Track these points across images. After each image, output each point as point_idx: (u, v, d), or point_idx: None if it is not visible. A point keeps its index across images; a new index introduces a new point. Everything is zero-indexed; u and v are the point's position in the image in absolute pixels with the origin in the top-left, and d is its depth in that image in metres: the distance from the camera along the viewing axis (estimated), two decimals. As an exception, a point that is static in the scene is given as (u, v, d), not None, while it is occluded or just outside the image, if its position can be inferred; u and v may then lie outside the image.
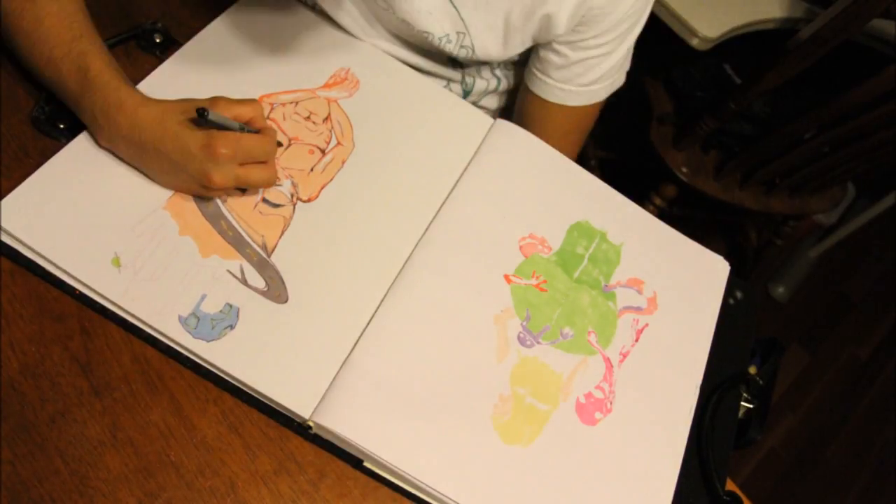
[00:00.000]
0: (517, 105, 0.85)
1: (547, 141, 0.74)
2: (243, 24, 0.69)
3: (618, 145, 1.58)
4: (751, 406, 0.67)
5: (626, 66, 0.80)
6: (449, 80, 0.82)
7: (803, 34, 1.04)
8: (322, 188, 0.63)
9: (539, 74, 0.77)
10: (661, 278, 0.70)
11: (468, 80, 0.83)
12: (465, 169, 0.68)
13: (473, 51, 0.73)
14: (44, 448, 0.49)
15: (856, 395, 1.85)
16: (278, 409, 0.53)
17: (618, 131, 0.96)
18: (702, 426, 0.63)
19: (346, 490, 0.53)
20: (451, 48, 0.73)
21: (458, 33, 0.71)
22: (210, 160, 0.54)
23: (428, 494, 0.54)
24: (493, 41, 0.72)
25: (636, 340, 0.65)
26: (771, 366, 0.70)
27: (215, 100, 0.57)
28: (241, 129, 0.57)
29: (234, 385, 0.53)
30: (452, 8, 0.69)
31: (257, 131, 0.59)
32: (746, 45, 1.27)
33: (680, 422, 0.62)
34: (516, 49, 0.74)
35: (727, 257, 0.74)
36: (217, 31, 0.68)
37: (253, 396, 0.53)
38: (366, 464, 0.54)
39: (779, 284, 1.92)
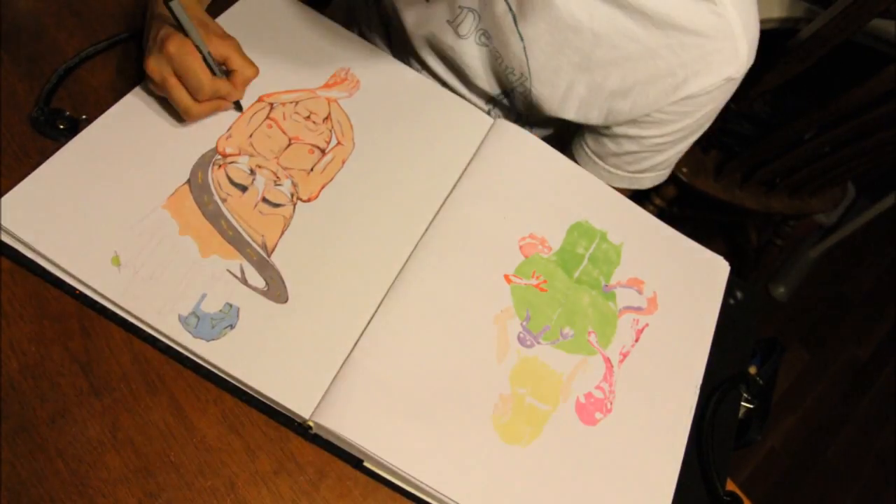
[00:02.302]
0: None
1: None
2: (244, 25, 0.69)
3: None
4: (751, 406, 0.67)
5: (674, 164, 0.81)
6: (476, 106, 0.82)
7: (803, 34, 1.04)
8: (322, 188, 0.63)
9: (590, 154, 0.79)
10: (661, 278, 0.69)
11: (493, 115, 0.83)
12: (465, 169, 0.68)
13: (531, 92, 0.73)
14: (44, 448, 0.49)
15: (856, 395, 1.85)
16: (278, 408, 0.53)
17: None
18: (702, 426, 0.63)
19: (346, 490, 0.53)
20: (514, 79, 0.73)
21: (521, 74, 0.72)
22: (159, 49, 0.57)
23: (428, 495, 0.54)
24: (551, 96, 0.72)
25: (636, 340, 0.65)
26: (771, 366, 0.70)
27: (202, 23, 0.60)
28: (205, 55, 0.59)
29: (234, 385, 0.53)
30: (524, 56, 0.69)
31: (227, 72, 0.62)
32: (746, 45, 1.27)
33: (680, 422, 0.62)
34: (572, 114, 0.73)
35: (727, 257, 0.74)
36: None
37: (253, 396, 0.53)
38: (366, 464, 0.54)
39: (779, 284, 1.92)
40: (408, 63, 0.82)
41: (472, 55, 0.74)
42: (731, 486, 0.62)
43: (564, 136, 0.85)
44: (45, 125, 0.59)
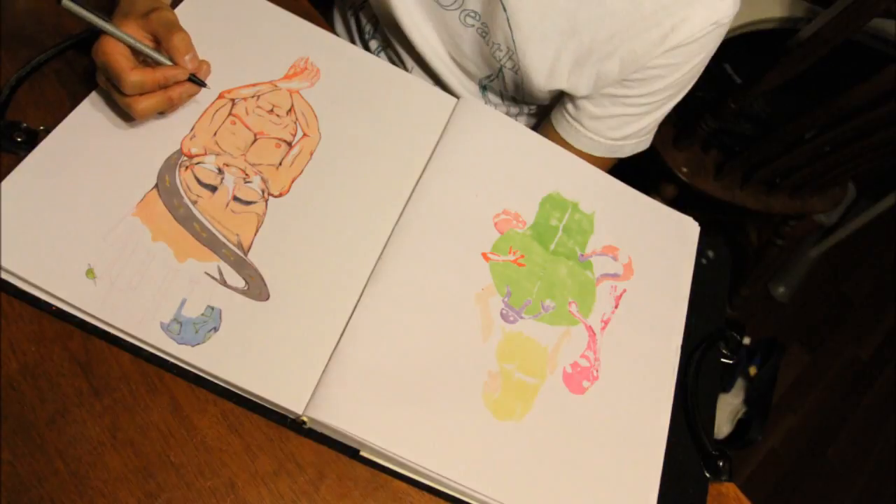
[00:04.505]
0: None
1: None
2: (196, 20, 0.67)
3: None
4: (730, 361, 0.69)
5: (654, 130, 0.80)
6: (467, 92, 0.82)
7: (803, 34, 1.04)
8: (293, 181, 0.62)
9: (570, 119, 0.78)
10: (634, 243, 0.71)
11: (486, 96, 0.83)
12: (434, 150, 0.68)
13: (518, 68, 0.73)
14: (43, 448, 0.49)
15: (856, 395, 1.85)
16: (271, 407, 0.53)
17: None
18: (686, 385, 0.64)
19: (346, 490, 0.53)
20: (501, 56, 0.73)
21: (507, 48, 0.71)
22: (95, 56, 0.55)
23: (427, 478, 0.54)
24: (539, 67, 0.72)
25: (616, 307, 0.66)
26: (771, 366, 0.70)
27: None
28: (125, 42, 0.55)
29: (224, 388, 0.53)
30: (508, 28, 0.69)
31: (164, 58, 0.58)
32: (746, 45, 1.27)
33: (665, 382, 0.64)
34: (561, 82, 0.73)
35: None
36: None
37: (244, 398, 0.53)
38: (362, 453, 0.54)
39: (779, 284, 1.92)
40: (400, 57, 0.82)
41: (460, 34, 0.74)
42: (731, 486, 0.62)
43: None
44: (2, 139, 0.57)
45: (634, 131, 0.77)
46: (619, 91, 0.72)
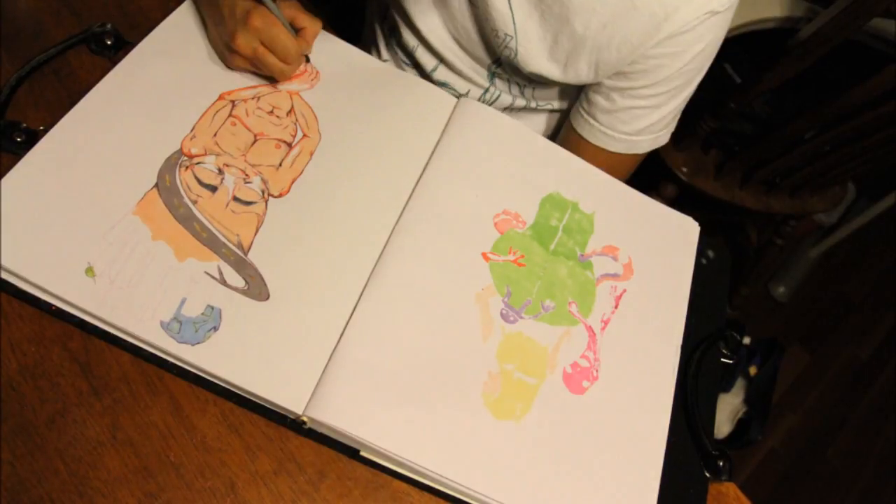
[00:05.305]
0: (559, 140, 0.85)
1: None
2: (195, 21, 0.68)
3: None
4: (730, 361, 0.69)
5: (672, 126, 0.80)
6: (474, 84, 0.82)
7: (804, 34, 1.04)
8: (293, 182, 0.63)
9: (584, 115, 0.78)
10: (634, 243, 0.71)
11: (493, 90, 0.82)
12: (434, 150, 0.68)
13: (516, 54, 0.73)
14: (43, 448, 0.49)
15: (856, 395, 1.85)
16: (270, 407, 0.53)
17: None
18: (686, 385, 0.64)
19: (346, 490, 0.53)
20: (499, 43, 0.73)
21: (505, 35, 0.71)
22: (243, 25, 0.61)
23: (427, 478, 0.54)
24: (538, 53, 0.72)
25: (616, 307, 0.66)
26: (771, 366, 0.70)
27: None
28: (283, 21, 0.63)
29: (224, 388, 0.53)
30: (509, 9, 0.69)
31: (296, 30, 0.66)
32: (746, 45, 1.27)
33: (664, 382, 0.64)
34: (560, 72, 0.73)
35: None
36: (169, 31, 0.67)
37: (244, 398, 0.53)
38: (362, 453, 0.54)
39: (779, 284, 1.92)
40: (404, 40, 0.81)
41: (465, 15, 0.73)
42: (731, 486, 0.62)
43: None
44: (2, 139, 0.57)
45: (647, 125, 0.76)
46: (625, 83, 0.72)
